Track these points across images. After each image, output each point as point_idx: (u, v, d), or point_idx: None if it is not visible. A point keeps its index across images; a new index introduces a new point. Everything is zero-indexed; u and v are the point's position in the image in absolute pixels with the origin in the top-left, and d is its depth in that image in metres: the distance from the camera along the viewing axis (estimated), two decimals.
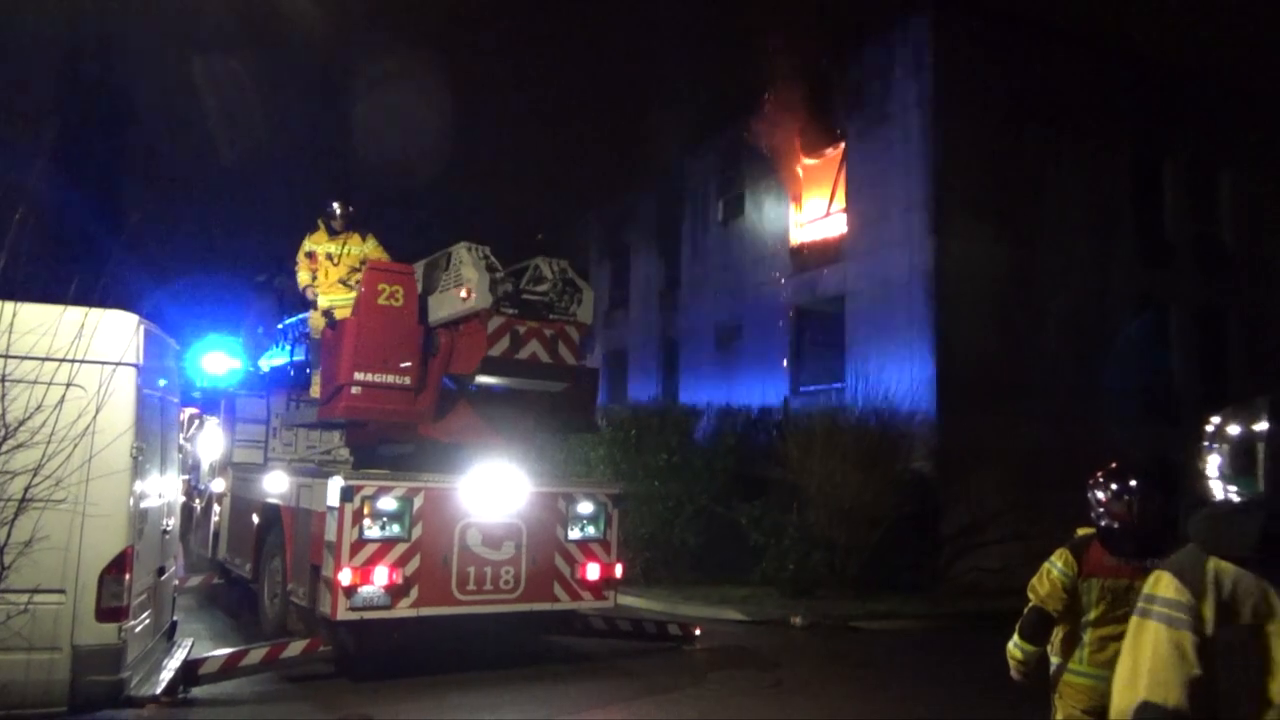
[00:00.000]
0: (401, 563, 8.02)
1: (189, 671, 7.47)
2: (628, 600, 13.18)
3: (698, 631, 10.39)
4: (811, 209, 20.29)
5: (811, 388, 19.50)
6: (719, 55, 21.57)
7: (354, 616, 7.85)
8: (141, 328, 6.36)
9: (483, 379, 8.22)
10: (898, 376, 17.22)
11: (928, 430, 16.55)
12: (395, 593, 7.97)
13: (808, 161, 20.24)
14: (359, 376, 8.25)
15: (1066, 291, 17.68)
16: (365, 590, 7.84)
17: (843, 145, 19.30)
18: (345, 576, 7.76)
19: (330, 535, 7.94)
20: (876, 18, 18.44)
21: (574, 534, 8.97)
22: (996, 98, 17.33)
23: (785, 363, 20.27)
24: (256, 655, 7.91)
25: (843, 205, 19.24)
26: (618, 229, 27.47)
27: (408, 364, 8.43)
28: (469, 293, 8.01)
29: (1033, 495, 16.35)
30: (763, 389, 20.01)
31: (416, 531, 8.13)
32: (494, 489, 8.52)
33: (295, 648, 8.09)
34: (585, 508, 9.06)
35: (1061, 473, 16.35)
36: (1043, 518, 16.31)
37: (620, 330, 27.03)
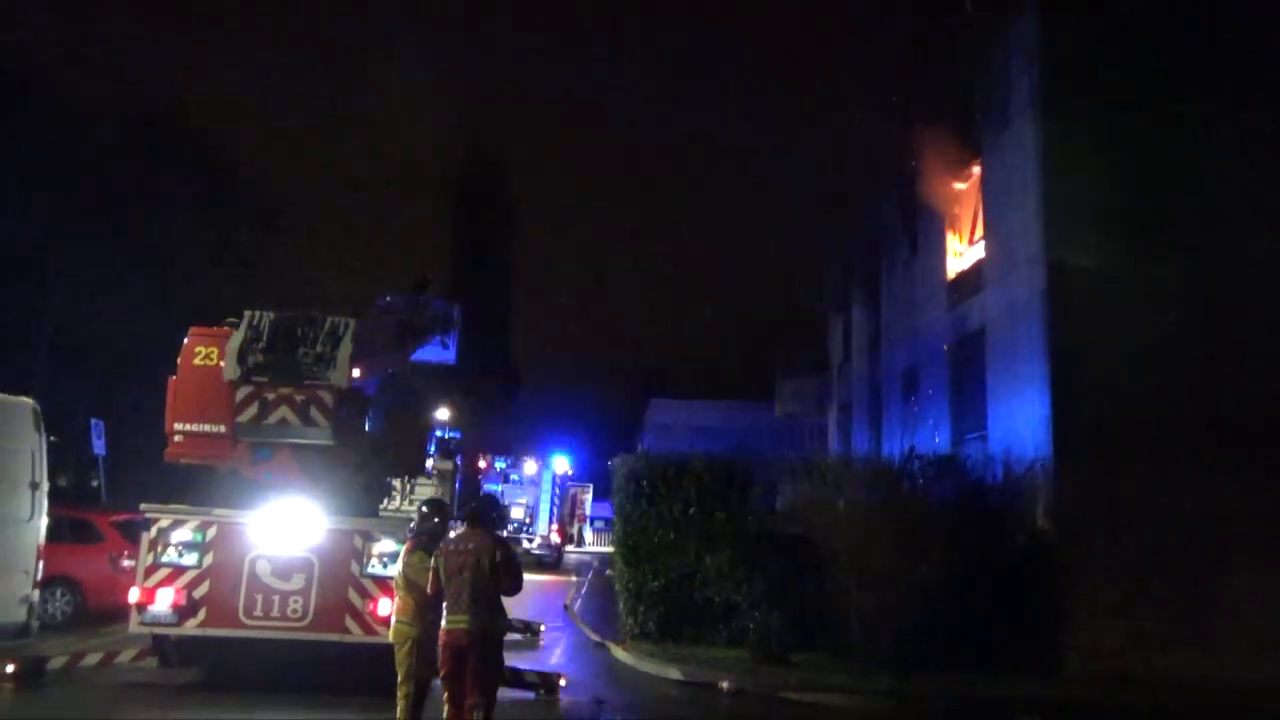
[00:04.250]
0: (191, 586, 9.22)
1: (39, 665, 9.37)
2: (618, 654, 13.01)
3: (563, 683, 10.14)
4: (963, 236, 18.20)
5: (971, 435, 17.24)
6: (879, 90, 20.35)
7: (144, 630, 9.21)
8: None
9: (245, 439, 9.31)
10: (1025, 420, 14.76)
11: (1047, 482, 13.89)
12: (182, 612, 9.17)
13: (957, 186, 18.24)
14: (179, 426, 9.71)
15: (1251, 308, 13.69)
16: (152, 609, 9.14)
17: (979, 160, 17.17)
18: (133, 595, 9.17)
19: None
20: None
21: (373, 569, 9.47)
22: (1130, 73, 14.20)
23: (946, 408, 18.18)
24: (94, 659, 9.58)
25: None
26: (841, 284, 26.59)
27: (222, 415, 9.68)
28: (225, 362, 9.18)
29: (1204, 566, 12.95)
30: (933, 438, 18.14)
31: (208, 560, 9.29)
32: (284, 524, 9.40)
33: (126, 655, 9.63)
34: (387, 545, 9.52)
35: (1260, 538, 12.92)
36: (1212, 595, 12.84)
37: (847, 383, 25.97)
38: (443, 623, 7.06)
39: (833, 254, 26.63)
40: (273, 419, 9.27)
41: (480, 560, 6.98)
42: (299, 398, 9.26)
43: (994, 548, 13.25)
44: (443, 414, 16.66)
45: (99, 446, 20.80)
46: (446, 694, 6.94)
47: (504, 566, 7.04)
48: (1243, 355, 13.44)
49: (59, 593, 12.84)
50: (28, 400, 10.96)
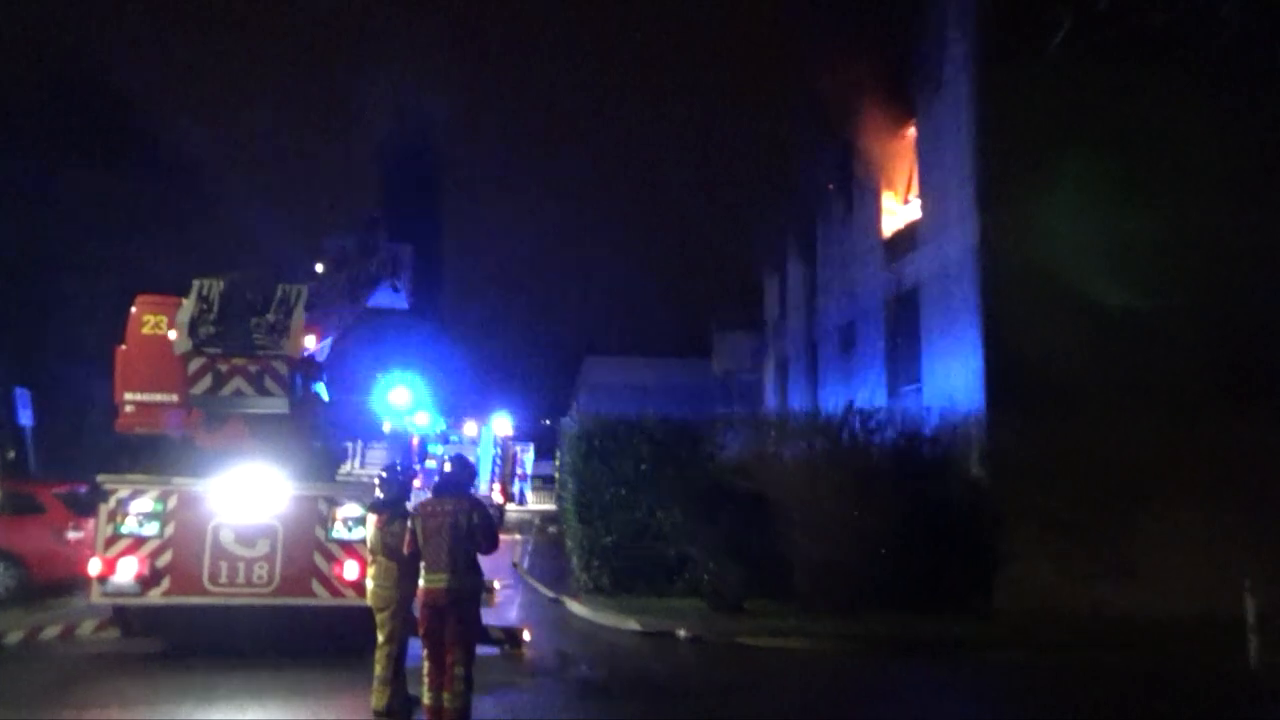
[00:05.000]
0: (153, 556, 9.16)
1: None
2: (574, 608, 13.33)
3: (526, 636, 10.40)
4: (898, 195, 18.69)
5: (907, 388, 17.86)
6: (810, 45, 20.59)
7: (107, 601, 9.15)
8: None
9: (200, 409, 9.25)
10: (958, 373, 15.37)
11: (979, 432, 14.54)
12: (145, 582, 9.12)
13: (892, 144, 18.66)
14: (129, 396, 9.59)
15: (1178, 266, 14.29)
16: (114, 579, 9.07)
17: (914, 119, 17.60)
18: (94, 566, 9.09)
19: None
20: None
21: (338, 534, 9.52)
22: (1063, 33, 14.67)
23: (881, 363, 18.78)
24: (52, 631, 9.50)
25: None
26: (777, 240, 26.97)
27: (173, 384, 9.58)
28: (175, 334, 9.06)
29: (1125, 508, 13.68)
30: (870, 391, 18.72)
31: (170, 529, 9.23)
32: (246, 491, 9.38)
33: (87, 627, 9.56)
34: (351, 510, 9.58)
35: (1176, 482, 13.62)
36: (1132, 535, 13.59)
37: (783, 339, 26.52)
38: (420, 581, 7.21)
39: (768, 211, 26.98)
40: (227, 390, 9.21)
41: (458, 520, 7.14)
42: (253, 368, 9.22)
43: (932, 495, 13.84)
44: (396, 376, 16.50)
45: (25, 417, 20.13)
46: (426, 651, 7.11)
47: (481, 526, 7.22)
48: (1166, 310, 14.09)
49: (2, 567, 12.58)
50: None
